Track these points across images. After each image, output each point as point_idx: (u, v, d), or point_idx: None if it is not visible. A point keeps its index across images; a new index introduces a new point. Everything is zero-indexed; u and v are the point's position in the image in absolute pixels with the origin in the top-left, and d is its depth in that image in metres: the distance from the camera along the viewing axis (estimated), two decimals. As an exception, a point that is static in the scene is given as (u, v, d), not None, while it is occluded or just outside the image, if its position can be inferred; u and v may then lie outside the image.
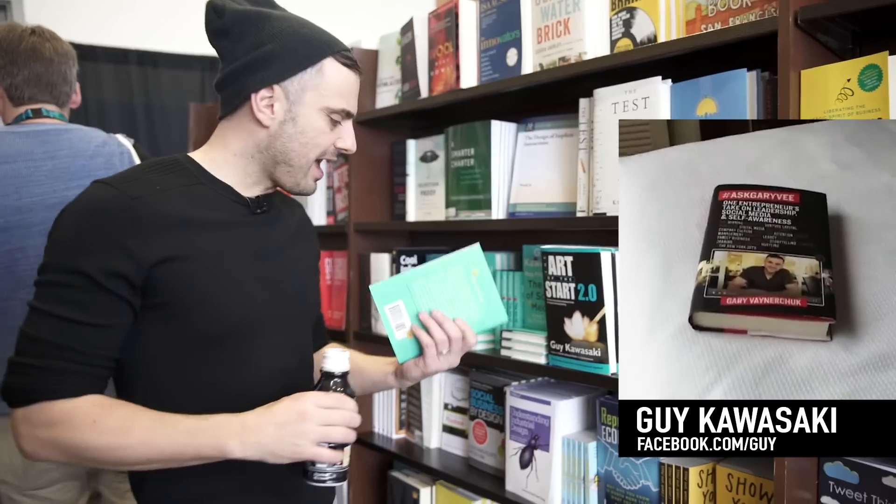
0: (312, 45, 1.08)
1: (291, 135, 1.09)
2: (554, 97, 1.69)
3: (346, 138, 1.14)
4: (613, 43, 1.49)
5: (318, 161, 1.13)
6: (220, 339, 1.06)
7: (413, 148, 1.98)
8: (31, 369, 0.96)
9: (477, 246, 1.16)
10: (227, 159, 1.12)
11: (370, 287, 1.14)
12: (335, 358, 1.01)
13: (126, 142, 1.81)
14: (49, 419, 0.96)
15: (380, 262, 2.04)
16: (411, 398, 2.05)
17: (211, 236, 1.07)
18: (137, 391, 1.05)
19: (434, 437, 1.98)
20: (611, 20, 1.50)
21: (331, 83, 1.09)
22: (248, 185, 1.13)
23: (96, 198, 1.02)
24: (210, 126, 1.22)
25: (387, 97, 2.06)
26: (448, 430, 1.95)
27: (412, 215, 1.99)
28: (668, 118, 1.35)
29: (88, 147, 1.71)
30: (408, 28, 1.91)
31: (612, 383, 1.39)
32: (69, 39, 1.85)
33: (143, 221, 1.00)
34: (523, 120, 1.72)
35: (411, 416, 2.05)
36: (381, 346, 2.09)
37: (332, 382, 1.01)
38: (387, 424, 2.12)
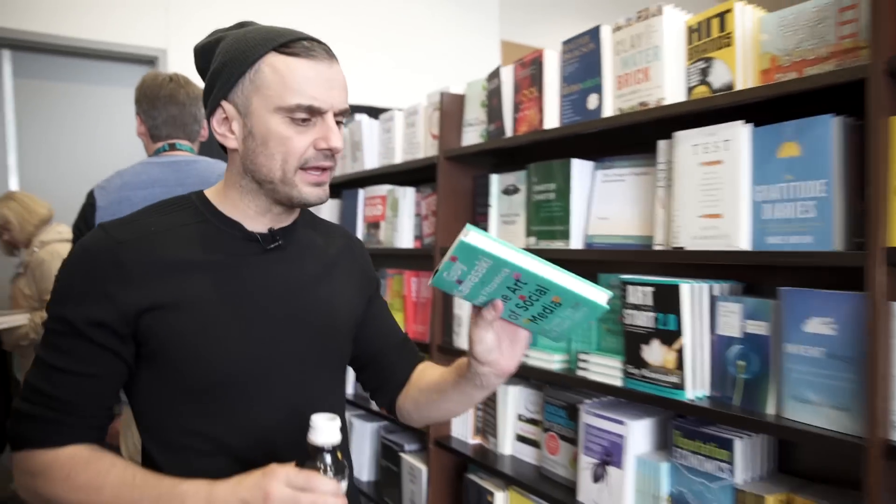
0: (248, 48, 0.86)
1: (255, 150, 0.86)
2: (630, 139, 1.59)
3: (328, 136, 0.86)
4: (690, 90, 1.38)
5: (305, 168, 0.87)
6: (213, 390, 0.86)
7: (496, 182, 1.90)
8: (22, 416, 0.82)
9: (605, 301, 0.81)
10: (227, 194, 0.93)
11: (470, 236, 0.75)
12: (320, 428, 0.74)
13: None
14: (31, 468, 0.82)
15: (462, 283, 1.96)
16: (487, 407, 1.95)
17: (206, 279, 0.86)
18: (143, 436, 0.89)
19: (507, 445, 1.87)
20: (688, 69, 1.39)
21: (274, 80, 0.84)
22: (253, 217, 0.92)
23: (85, 243, 0.86)
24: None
25: (472, 136, 1.99)
26: (521, 439, 1.84)
27: (493, 243, 1.90)
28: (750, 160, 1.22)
29: (212, 176, 1.71)
30: (494, 75, 1.84)
31: (688, 409, 1.27)
32: (202, 87, 1.87)
33: (126, 267, 0.82)
34: (599, 159, 1.62)
35: (486, 424, 1.96)
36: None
37: (316, 458, 0.75)
38: (463, 430, 2.02)
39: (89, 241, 0.86)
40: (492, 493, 1.80)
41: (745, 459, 1.25)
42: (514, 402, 1.86)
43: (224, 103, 0.89)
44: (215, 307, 0.86)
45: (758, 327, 1.22)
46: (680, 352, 1.28)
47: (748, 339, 1.23)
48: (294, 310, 0.93)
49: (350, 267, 1.07)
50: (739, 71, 1.29)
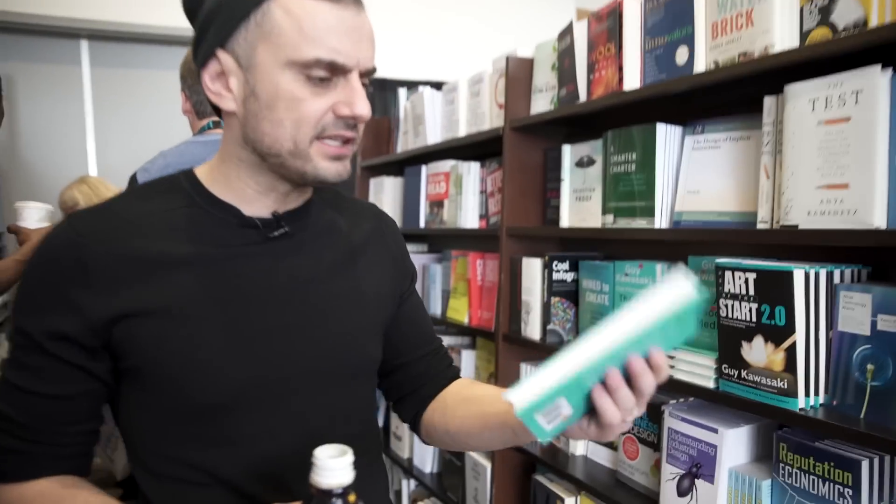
0: None
1: (258, 114, 0.70)
2: (726, 98, 1.35)
3: (352, 99, 0.70)
4: (805, 35, 1.13)
5: (321, 138, 0.71)
6: (206, 413, 0.72)
7: (568, 153, 1.70)
8: None
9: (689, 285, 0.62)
10: (221, 170, 0.77)
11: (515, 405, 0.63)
12: (328, 467, 0.57)
13: None
14: None
15: (531, 266, 1.77)
16: (558, 402, 1.76)
17: (193, 278, 0.71)
18: (131, 463, 0.76)
19: (580, 444, 1.68)
20: (802, 8, 1.14)
21: (288, 26, 0.67)
22: (252, 199, 0.76)
23: (48, 238, 0.72)
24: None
25: (542, 103, 1.78)
26: (595, 439, 1.64)
27: (566, 221, 1.70)
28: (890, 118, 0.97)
29: None
30: (566, 32, 1.63)
31: (800, 421, 1.04)
32: None
33: (91, 266, 0.68)
34: (689, 123, 1.39)
35: (557, 420, 1.77)
36: (529, 350, 1.83)
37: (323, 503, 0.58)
38: (532, 425, 1.84)
39: (52, 235, 0.72)
40: (562, 499, 1.62)
41: (873, 486, 1.01)
42: (588, 399, 1.66)
43: (220, 53, 0.71)
44: (205, 312, 0.71)
45: (894, 324, 0.98)
46: (790, 351, 1.05)
47: (880, 338, 0.99)
48: (307, 311, 0.77)
49: (380, 254, 0.90)
50: (875, 4, 1.03)
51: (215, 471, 0.72)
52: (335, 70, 0.69)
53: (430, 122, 2.34)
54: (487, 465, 1.90)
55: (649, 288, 0.63)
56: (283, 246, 0.78)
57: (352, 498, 0.58)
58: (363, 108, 0.70)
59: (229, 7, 0.69)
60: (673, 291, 0.61)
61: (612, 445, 1.59)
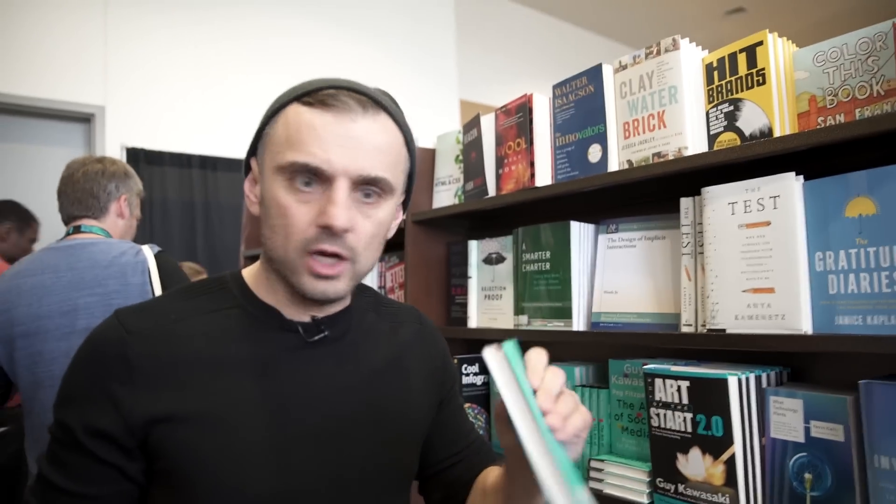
0: (278, 99, 0.76)
1: (263, 220, 0.75)
2: (636, 196, 1.36)
3: (325, 208, 0.68)
4: (713, 138, 1.16)
5: (311, 252, 0.70)
6: None
7: (476, 249, 1.64)
8: None
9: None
10: (263, 272, 0.79)
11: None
12: None
13: (148, 252, 1.62)
14: None
15: (438, 369, 1.66)
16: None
17: (234, 382, 0.72)
18: None
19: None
20: (707, 114, 1.18)
21: (281, 134, 0.71)
22: (290, 303, 0.77)
23: (94, 333, 0.74)
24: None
25: (445, 196, 1.74)
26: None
27: (474, 321, 1.62)
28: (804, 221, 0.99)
29: (105, 258, 1.56)
30: (472, 125, 1.61)
31: (744, 540, 0.98)
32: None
33: (135, 364, 0.69)
34: (601, 221, 1.38)
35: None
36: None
37: None
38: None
39: (98, 330, 0.73)
40: None
41: None
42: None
43: (252, 162, 0.79)
44: (244, 419, 0.71)
45: (829, 431, 0.96)
46: (729, 464, 1.00)
47: (815, 446, 0.97)
48: (348, 421, 0.77)
49: (422, 360, 0.89)
50: (777, 114, 1.08)
51: None
52: (319, 176, 0.70)
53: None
54: None
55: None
56: (324, 352, 0.78)
57: None
58: (335, 216, 0.68)
59: (261, 122, 0.76)
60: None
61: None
